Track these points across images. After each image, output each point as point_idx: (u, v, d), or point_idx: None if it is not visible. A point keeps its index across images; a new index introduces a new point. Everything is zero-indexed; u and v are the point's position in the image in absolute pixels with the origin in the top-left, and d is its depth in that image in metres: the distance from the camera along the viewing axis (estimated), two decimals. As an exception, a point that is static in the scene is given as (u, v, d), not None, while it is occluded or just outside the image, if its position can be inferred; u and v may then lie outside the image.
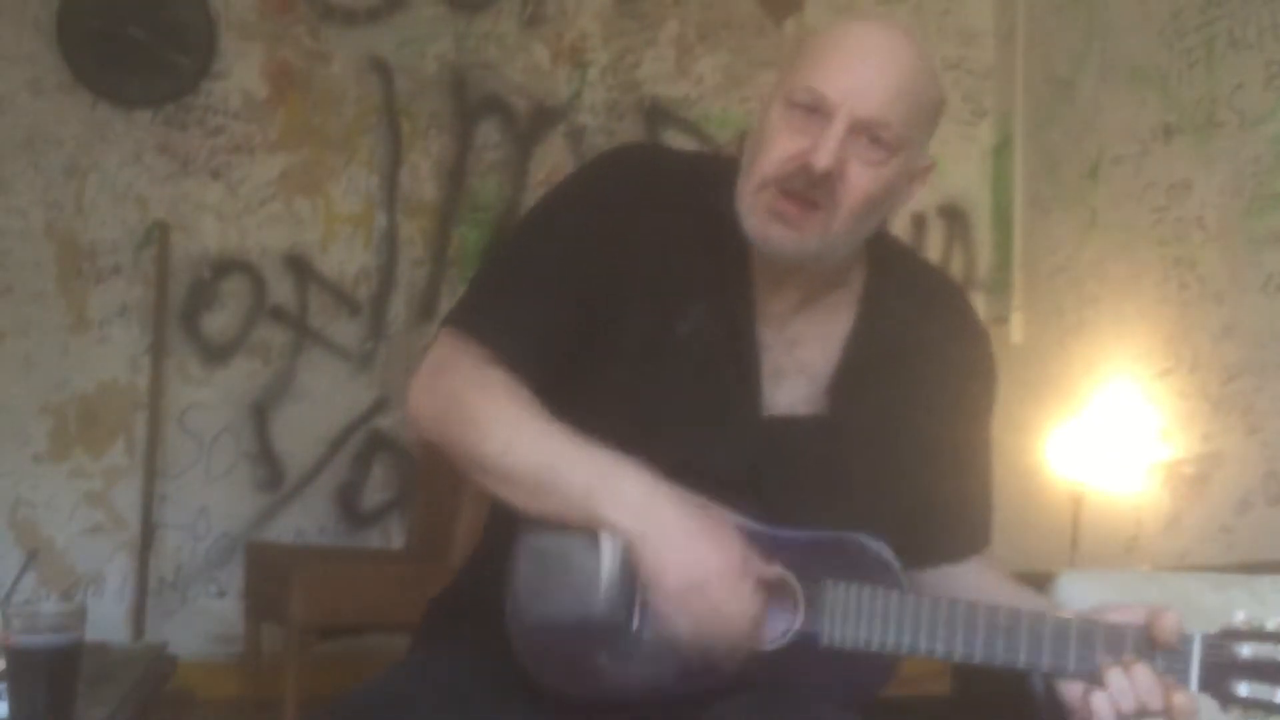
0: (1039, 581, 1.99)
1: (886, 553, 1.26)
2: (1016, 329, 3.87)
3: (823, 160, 1.21)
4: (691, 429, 1.29)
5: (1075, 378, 3.54)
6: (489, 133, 3.97)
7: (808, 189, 1.23)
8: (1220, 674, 1.15)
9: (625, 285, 1.31)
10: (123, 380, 3.71)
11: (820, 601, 1.21)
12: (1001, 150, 4.09)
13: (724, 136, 4.10)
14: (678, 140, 4.04)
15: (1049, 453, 3.49)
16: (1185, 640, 1.17)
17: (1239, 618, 1.17)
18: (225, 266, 3.80)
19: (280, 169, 3.83)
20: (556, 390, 1.31)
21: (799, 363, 1.34)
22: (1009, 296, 3.93)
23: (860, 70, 1.24)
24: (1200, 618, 1.96)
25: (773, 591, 1.21)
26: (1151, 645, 1.17)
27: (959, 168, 4.13)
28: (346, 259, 3.88)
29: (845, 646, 1.20)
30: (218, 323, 3.80)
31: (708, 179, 1.34)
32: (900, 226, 4.11)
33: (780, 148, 1.25)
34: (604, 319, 1.30)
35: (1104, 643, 1.17)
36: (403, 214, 3.92)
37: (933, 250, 4.15)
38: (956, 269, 4.17)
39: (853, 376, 1.33)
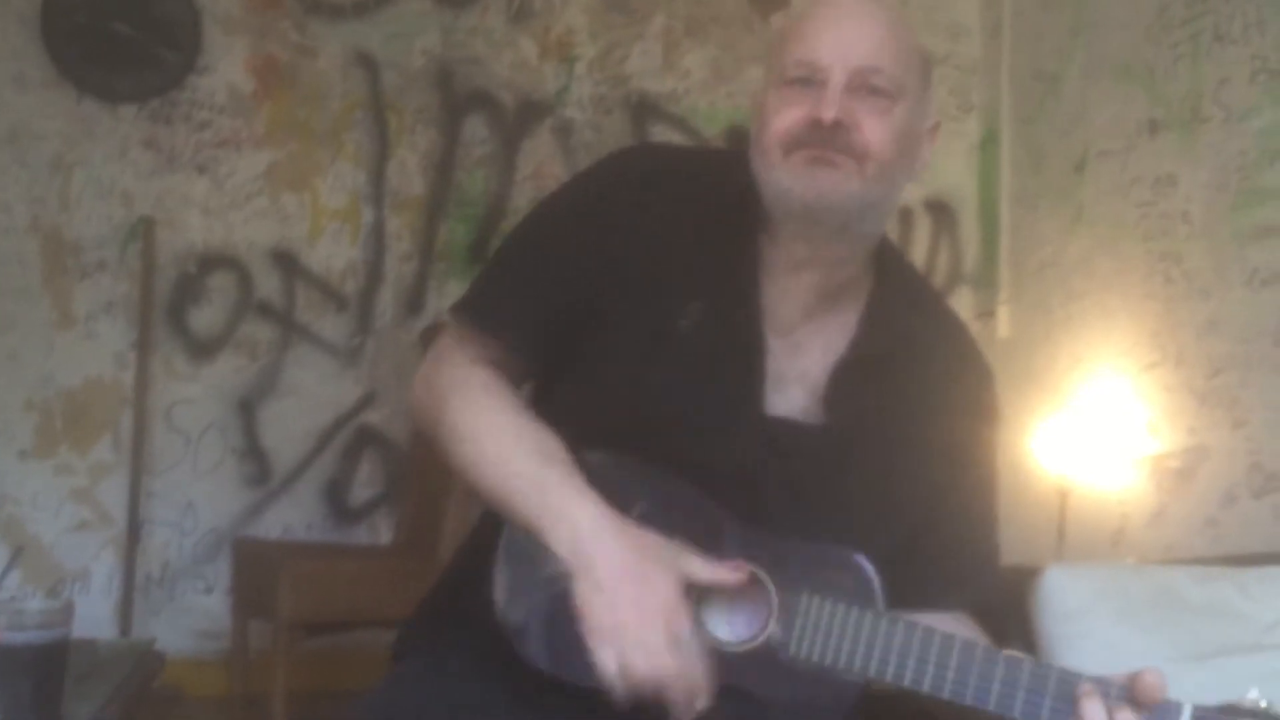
0: (1026, 575, 2.00)
1: (870, 571, 1.21)
2: (1003, 323, 3.88)
3: (829, 111, 1.23)
4: (693, 427, 1.27)
5: (1061, 372, 3.55)
6: (476, 127, 3.97)
7: (826, 145, 1.24)
8: None
9: (626, 279, 1.30)
10: (108, 376, 3.70)
11: (794, 611, 1.18)
12: (988, 145, 4.09)
13: (711, 131, 4.10)
14: (664, 135, 4.04)
15: (1035, 447, 3.50)
16: (1175, 708, 1.09)
17: (1251, 695, 1.08)
18: (211, 262, 3.79)
19: (266, 164, 3.81)
20: (557, 383, 1.33)
21: (799, 370, 1.31)
22: (995, 291, 3.94)
23: (843, 27, 1.27)
24: (1186, 611, 1.97)
25: (748, 595, 1.20)
26: (1135, 702, 1.09)
27: (945, 162, 4.13)
28: (334, 254, 3.87)
29: (811, 661, 1.17)
30: (204, 318, 3.79)
31: (717, 174, 1.34)
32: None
33: (782, 116, 1.26)
34: (604, 312, 1.30)
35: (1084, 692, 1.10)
36: (390, 209, 3.91)
37: (919, 245, 4.15)
38: (943, 263, 4.18)
39: (848, 384, 1.30)
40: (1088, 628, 1.92)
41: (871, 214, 1.28)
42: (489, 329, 1.34)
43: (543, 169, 3.98)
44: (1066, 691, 1.10)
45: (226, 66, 3.79)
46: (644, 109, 4.05)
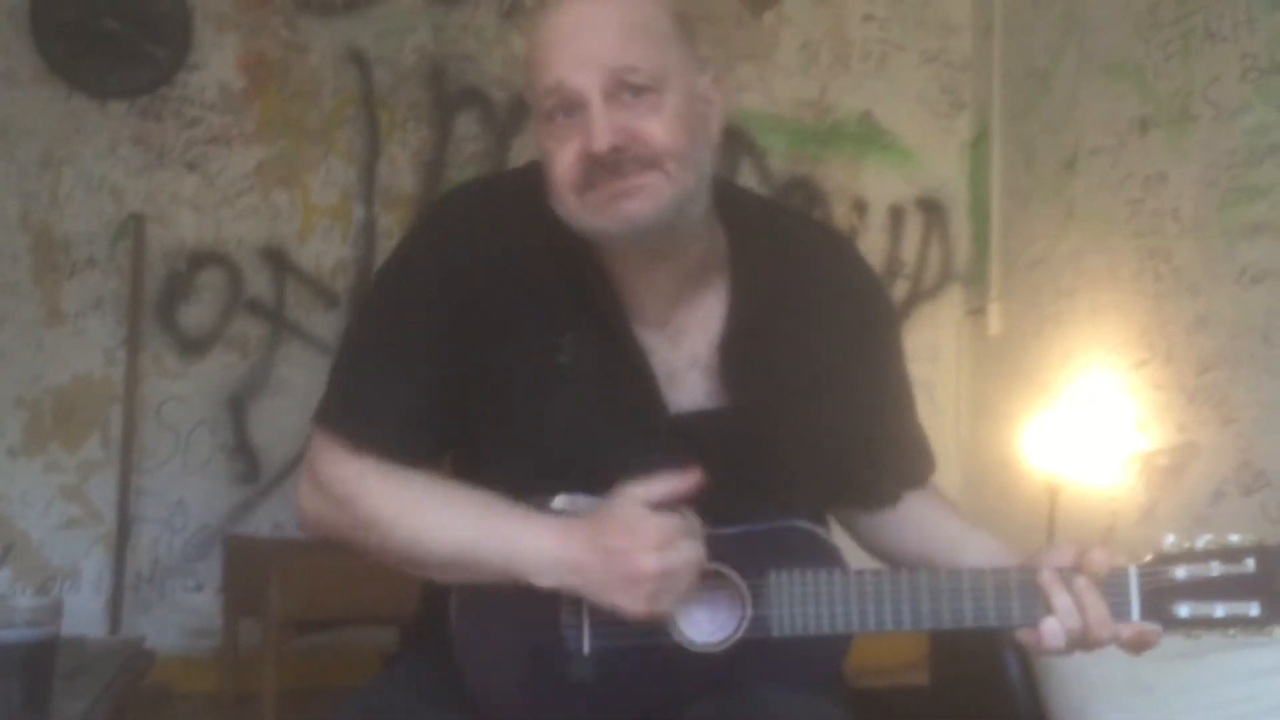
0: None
1: (825, 534, 1.27)
2: (994, 320, 3.88)
3: (599, 141, 1.16)
4: (603, 449, 1.26)
5: (1052, 369, 3.56)
6: (468, 124, 3.96)
7: (613, 170, 1.18)
8: (1160, 600, 1.19)
9: (492, 337, 1.27)
10: (98, 373, 3.69)
11: (766, 593, 1.21)
12: (979, 142, 4.10)
13: (703, 128, 4.09)
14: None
15: (1025, 444, 3.51)
16: (1120, 574, 1.20)
17: (1169, 541, 1.21)
18: (202, 259, 3.78)
19: (257, 161, 3.81)
20: (471, 442, 1.31)
21: (689, 357, 1.30)
22: (986, 288, 3.94)
23: (577, 37, 1.19)
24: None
25: (719, 590, 1.22)
26: (1091, 577, 1.20)
27: (937, 160, 4.14)
28: (324, 251, 3.86)
29: (796, 633, 1.21)
30: (194, 315, 3.78)
31: (532, 199, 1.27)
32: (878, 218, 4.13)
33: (560, 159, 1.20)
34: (483, 373, 1.27)
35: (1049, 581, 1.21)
36: (381, 206, 3.90)
37: (910, 242, 4.16)
38: (934, 261, 4.19)
39: (739, 359, 1.30)
40: (1078, 624, 1.93)
41: (689, 202, 1.23)
42: (359, 439, 1.28)
43: (534, 166, 3.97)
44: (1030, 587, 1.21)
45: (217, 63, 3.78)
46: (635, 106, 4.05)
